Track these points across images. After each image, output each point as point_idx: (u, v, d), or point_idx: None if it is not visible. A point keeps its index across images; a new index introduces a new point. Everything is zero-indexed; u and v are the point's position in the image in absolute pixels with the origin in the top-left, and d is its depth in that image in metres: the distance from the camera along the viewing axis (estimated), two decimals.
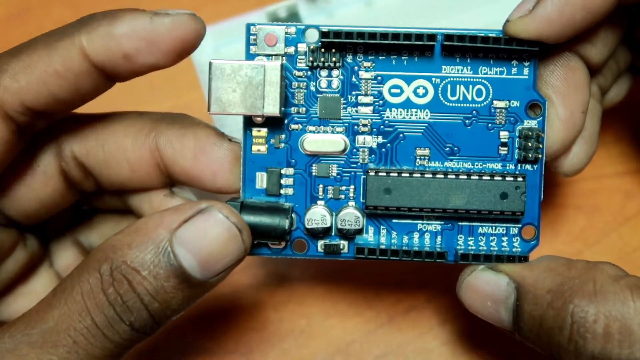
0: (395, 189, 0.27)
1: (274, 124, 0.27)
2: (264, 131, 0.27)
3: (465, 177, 0.27)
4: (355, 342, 0.34)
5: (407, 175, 0.27)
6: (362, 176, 0.27)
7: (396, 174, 0.27)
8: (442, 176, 0.27)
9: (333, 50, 0.27)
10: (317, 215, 0.27)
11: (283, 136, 0.27)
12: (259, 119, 0.26)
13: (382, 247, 0.27)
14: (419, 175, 0.27)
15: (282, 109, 0.26)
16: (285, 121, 0.27)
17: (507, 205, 0.27)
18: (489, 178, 0.27)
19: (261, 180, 0.27)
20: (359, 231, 0.27)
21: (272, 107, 0.26)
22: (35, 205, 0.27)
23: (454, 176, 0.27)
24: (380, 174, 0.27)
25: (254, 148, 0.27)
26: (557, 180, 0.37)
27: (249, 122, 0.27)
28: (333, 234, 0.27)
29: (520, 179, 0.27)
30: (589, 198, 0.36)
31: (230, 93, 0.25)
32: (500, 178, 0.27)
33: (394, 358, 0.33)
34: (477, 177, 0.27)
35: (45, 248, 0.29)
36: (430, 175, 0.27)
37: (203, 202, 0.24)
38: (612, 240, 0.36)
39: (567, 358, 0.25)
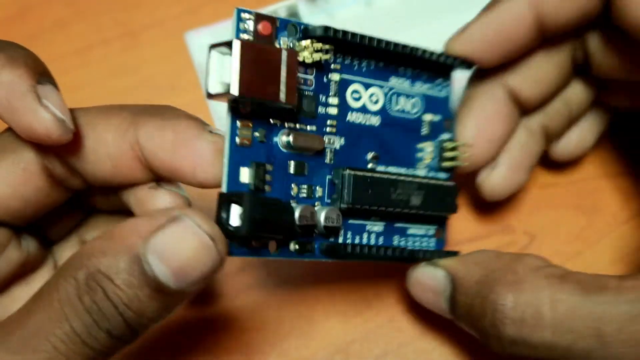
0: (373, 188, 0.27)
1: (259, 116, 0.26)
2: (249, 123, 0.25)
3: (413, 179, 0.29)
4: (355, 342, 0.34)
5: (380, 175, 0.28)
6: (328, 176, 0.27)
7: (370, 174, 0.28)
8: (404, 178, 0.29)
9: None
10: (307, 212, 0.26)
11: (265, 131, 0.26)
12: (248, 108, 0.25)
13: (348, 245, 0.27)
14: (386, 176, 0.28)
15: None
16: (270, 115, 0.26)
17: (441, 208, 0.30)
18: (427, 182, 0.29)
19: (244, 174, 0.25)
20: (339, 229, 0.27)
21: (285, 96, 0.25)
22: (19, 205, 0.26)
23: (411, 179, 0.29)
24: (358, 173, 0.27)
25: (239, 140, 0.25)
26: (557, 181, 0.37)
27: (235, 112, 0.25)
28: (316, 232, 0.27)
29: (451, 183, 0.30)
30: (589, 198, 0.36)
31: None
32: (435, 182, 0.30)
33: (394, 358, 0.33)
34: (419, 181, 0.29)
35: (48, 250, 0.29)
36: (395, 177, 0.28)
37: (176, 210, 0.23)
38: (612, 240, 0.36)
39: (492, 342, 0.27)
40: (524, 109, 0.32)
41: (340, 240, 0.28)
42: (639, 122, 0.35)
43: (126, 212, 0.28)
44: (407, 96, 0.30)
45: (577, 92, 0.33)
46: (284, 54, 0.25)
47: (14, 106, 0.24)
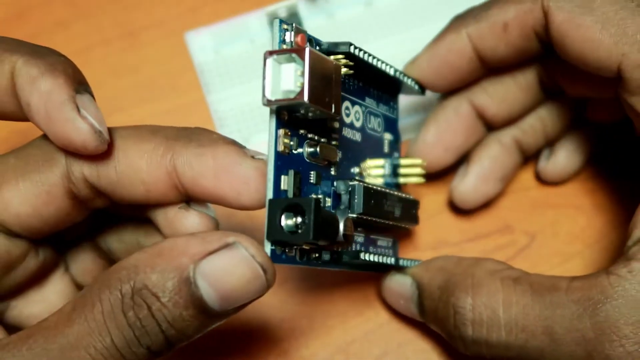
0: (374, 199, 0.28)
1: (293, 125, 0.26)
2: (288, 131, 0.25)
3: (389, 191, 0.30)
4: (355, 341, 0.34)
5: (378, 187, 0.28)
6: (332, 187, 0.28)
7: (372, 186, 0.28)
8: (391, 191, 0.29)
9: None
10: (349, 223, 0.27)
11: (297, 140, 0.26)
12: (286, 117, 0.25)
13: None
14: (381, 188, 0.29)
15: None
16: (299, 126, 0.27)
17: (410, 220, 0.31)
18: (402, 195, 0.30)
19: (284, 181, 0.25)
20: (353, 237, 0.28)
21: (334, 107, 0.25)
22: (39, 223, 0.26)
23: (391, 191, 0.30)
24: (366, 184, 0.28)
25: (281, 148, 0.25)
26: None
27: (280, 119, 0.25)
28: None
29: (412, 197, 0.31)
30: (589, 198, 0.36)
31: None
32: (406, 196, 0.31)
33: (394, 358, 0.33)
34: (398, 194, 0.30)
35: (60, 254, 0.29)
36: (385, 190, 0.29)
37: (230, 236, 0.23)
38: (612, 240, 0.36)
39: (457, 342, 0.29)
40: (491, 124, 0.34)
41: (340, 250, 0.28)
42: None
43: (142, 219, 0.28)
44: (375, 115, 0.31)
45: (552, 110, 0.34)
46: (334, 66, 0.25)
47: (52, 115, 0.24)
